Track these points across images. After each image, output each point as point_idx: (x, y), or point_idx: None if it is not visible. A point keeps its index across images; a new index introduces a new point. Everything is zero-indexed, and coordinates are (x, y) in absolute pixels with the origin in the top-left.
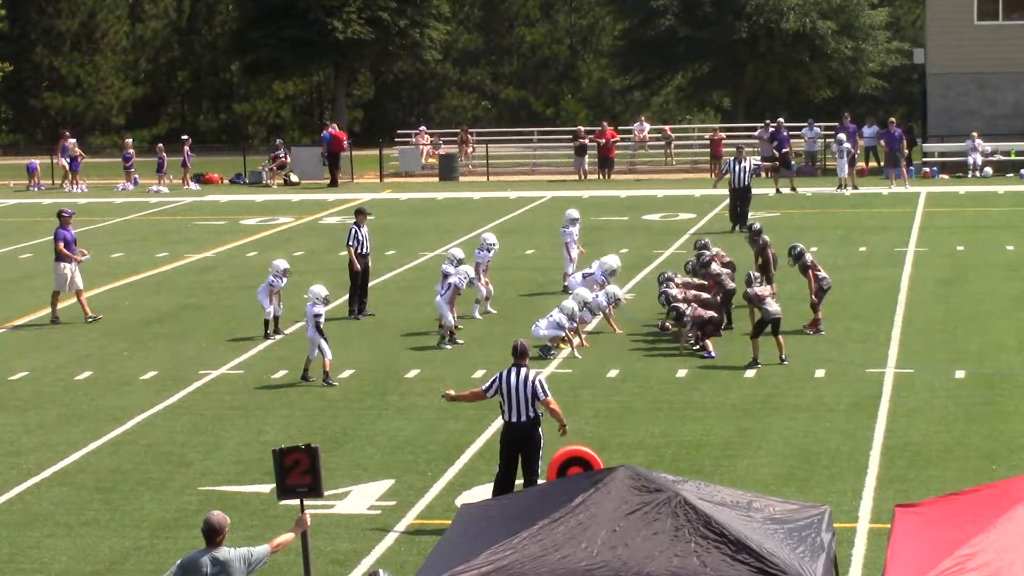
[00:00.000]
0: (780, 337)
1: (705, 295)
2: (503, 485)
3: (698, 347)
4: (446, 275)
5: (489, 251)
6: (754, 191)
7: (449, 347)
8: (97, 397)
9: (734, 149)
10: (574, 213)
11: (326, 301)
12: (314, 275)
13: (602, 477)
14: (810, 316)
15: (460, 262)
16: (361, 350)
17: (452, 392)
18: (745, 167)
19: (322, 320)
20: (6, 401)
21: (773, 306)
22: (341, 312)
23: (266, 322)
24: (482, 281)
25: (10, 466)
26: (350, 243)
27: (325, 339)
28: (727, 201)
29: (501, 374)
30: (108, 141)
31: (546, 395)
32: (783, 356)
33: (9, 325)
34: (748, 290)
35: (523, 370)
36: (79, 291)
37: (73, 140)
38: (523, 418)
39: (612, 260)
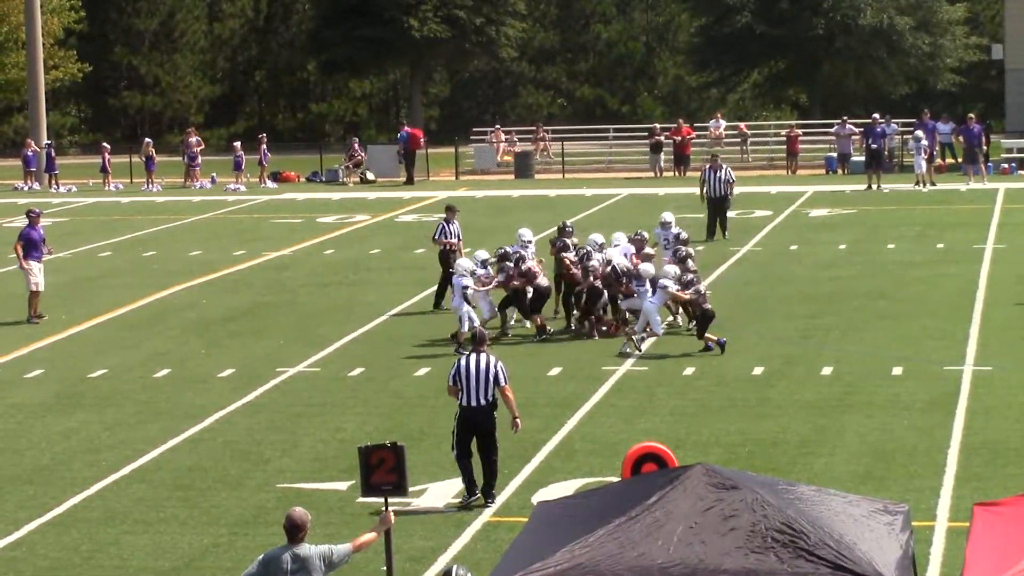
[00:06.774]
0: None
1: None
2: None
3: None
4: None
5: (525, 248)
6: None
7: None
8: (175, 395)
9: (710, 157)
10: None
11: (473, 273)
12: (390, 273)
13: (678, 475)
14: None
15: (484, 263)
16: (436, 346)
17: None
18: (720, 177)
19: (469, 291)
20: (85, 399)
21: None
22: (426, 306)
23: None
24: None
25: (89, 463)
26: (437, 237)
27: (471, 306)
28: (802, 201)
29: (459, 360)
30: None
31: (505, 382)
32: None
33: (88, 323)
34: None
35: (483, 355)
36: (37, 292)
37: (148, 140)
38: (482, 402)
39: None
